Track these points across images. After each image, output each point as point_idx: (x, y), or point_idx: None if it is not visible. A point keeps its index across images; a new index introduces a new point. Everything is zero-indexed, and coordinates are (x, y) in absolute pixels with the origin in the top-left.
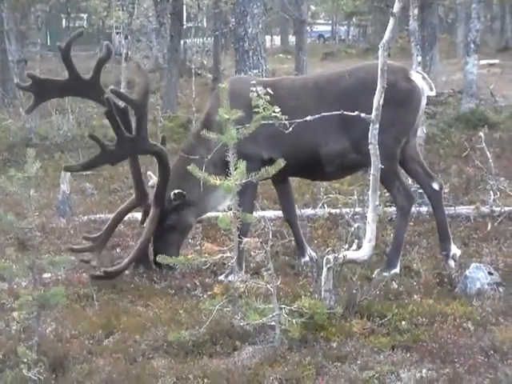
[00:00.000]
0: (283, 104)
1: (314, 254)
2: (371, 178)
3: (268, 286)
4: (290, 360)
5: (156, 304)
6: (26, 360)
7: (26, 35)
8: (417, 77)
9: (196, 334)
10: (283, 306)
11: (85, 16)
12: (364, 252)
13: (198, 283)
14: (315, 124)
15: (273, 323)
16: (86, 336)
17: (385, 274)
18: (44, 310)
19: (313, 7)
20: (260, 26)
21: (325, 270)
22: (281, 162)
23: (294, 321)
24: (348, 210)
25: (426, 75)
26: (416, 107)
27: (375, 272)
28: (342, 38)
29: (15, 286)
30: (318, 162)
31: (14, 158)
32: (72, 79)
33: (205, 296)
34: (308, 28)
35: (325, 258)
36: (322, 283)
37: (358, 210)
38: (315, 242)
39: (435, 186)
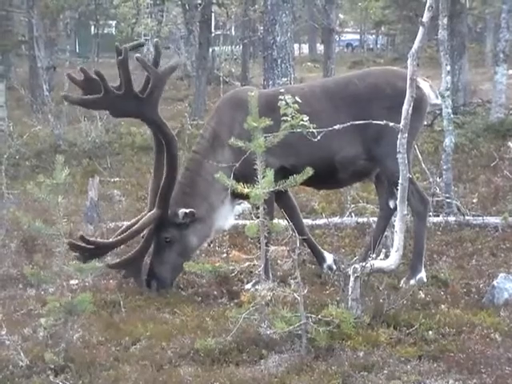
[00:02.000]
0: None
1: (332, 255)
2: (399, 187)
3: (295, 294)
4: (317, 369)
5: (183, 311)
6: (52, 366)
7: (55, 42)
8: (425, 85)
9: (222, 341)
10: (310, 314)
11: (113, 23)
12: (391, 261)
13: (224, 291)
14: (329, 130)
15: (299, 332)
16: (112, 343)
17: (411, 281)
18: (71, 317)
19: (341, 16)
20: (289, 34)
21: (352, 278)
22: (309, 170)
23: (320, 330)
24: (375, 218)
25: (431, 83)
26: (423, 114)
27: (402, 281)
28: (371, 46)
29: (42, 293)
30: (333, 169)
31: (43, 164)
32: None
33: (231, 304)
34: (336, 37)
35: (352, 267)
36: (349, 292)
37: None
38: (342, 250)
39: (391, 203)
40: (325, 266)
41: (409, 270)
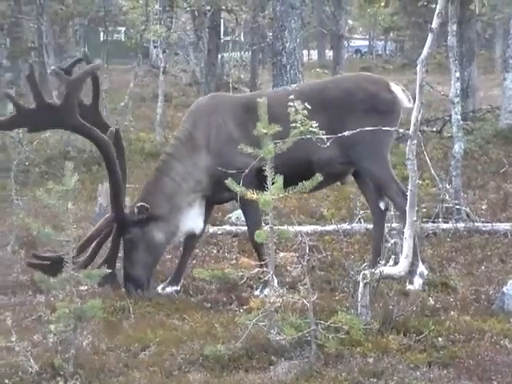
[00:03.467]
0: (274, 112)
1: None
2: (409, 193)
3: (304, 300)
4: (326, 375)
5: (192, 317)
6: (62, 372)
7: (64, 48)
8: (396, 88)
9: (232, 348)
10: (319, 321)
11: (123, 30)
12: (401, 268)
13: (233, 297)
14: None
15: (309, 338)
16: (122, 349)
17: (415, 278)
18: (81, 323)
19: (350, 22)
20: (298, 40)
21: (361, 285)
22: (318, 177)
23: (330, 336)
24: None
25: (404, 87)
26: (396, 118)
27: (407, 285)
28: (379, 52)
29: (52, 299)
30: (310, 170)
31: (52, 170)
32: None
33: (241, 310)
34: (345, 43)
35: (361, 274)
36: (359, 298)
37: (394, 225)
38: (352, 256)
39: (381, 205)
40: (166, 289)
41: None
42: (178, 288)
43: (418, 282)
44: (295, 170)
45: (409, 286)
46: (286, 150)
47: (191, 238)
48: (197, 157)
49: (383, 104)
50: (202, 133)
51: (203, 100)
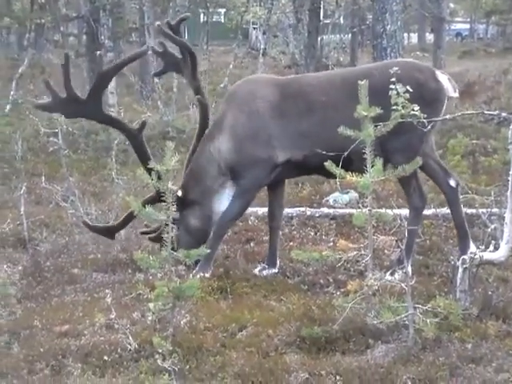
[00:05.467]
0: (313, 100)
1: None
2: (510, 178)
3: (402, 284)
4: (424, 360)
5: (289, 299)
6: (160, 350)
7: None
8: (443, 77)
9: (329, 330)
10: (417, 305)
11: (223, 11)
12: (501, 253)
13: (331, 280)
14: (346, 120)
15: (406, 322)
16: (219, 329)
17: (396, 275)
18: (179, 302)
19: (452, 5)
20: (399, 23)
21: (460, 270)
22: (418, 161)
23: (428, 320)
24: (485, 210)
25: (450, 77)
26: (441, 107)
27: (386, 274)
28: (481, 36)
29: (151, 277)
30: (347, 158)
31: (152, 150)
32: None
33: (338, 293)
34: (446, 26)
35: (461, 259)
36: (458, 283)
37: (495, 210)
38: (451, 241)
39: (452, 182)
40: (269, 271)
41: (395, 262)
42: (276, 270)
43: (395, 278)
44: (336, 160)
45: (387, 276)
46: (328, 139)
47: (272, 220)
48: (218, 140)
49: (429, 93)
50: (231, 117)
51: (240, 83)
